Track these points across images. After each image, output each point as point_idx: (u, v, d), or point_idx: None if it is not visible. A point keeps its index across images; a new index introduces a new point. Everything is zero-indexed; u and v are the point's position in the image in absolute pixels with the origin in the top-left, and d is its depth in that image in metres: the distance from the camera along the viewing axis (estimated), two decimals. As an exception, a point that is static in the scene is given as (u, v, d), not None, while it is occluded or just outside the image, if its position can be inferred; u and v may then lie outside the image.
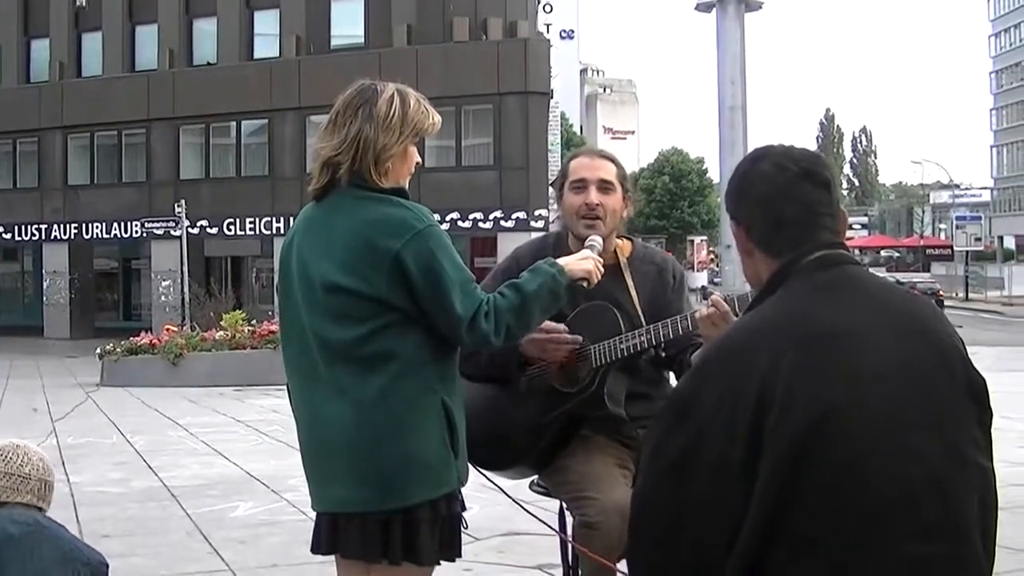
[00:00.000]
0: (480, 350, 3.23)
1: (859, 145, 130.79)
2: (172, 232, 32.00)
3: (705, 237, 60.83)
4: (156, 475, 9.23)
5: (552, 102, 39.88)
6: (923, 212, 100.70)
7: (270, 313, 22.38)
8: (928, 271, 65.57)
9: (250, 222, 34.75)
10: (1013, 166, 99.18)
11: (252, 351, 19.31)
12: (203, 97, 34.86)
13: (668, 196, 77.89)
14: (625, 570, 2.51)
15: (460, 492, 2.99)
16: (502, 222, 32.03)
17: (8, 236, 38.58)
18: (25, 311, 40.08)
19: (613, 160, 3.82)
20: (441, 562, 2.97)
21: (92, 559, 3.19)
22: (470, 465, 3.10)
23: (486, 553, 5.89)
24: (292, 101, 33.80)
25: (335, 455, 2.90)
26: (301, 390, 3.02)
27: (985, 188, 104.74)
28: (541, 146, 33.96)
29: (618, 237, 3.80)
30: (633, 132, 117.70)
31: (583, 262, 3.18)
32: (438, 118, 3.06)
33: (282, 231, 31.82)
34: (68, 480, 8.70)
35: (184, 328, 23.30)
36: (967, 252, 55.50)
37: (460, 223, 31.19)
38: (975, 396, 2.16)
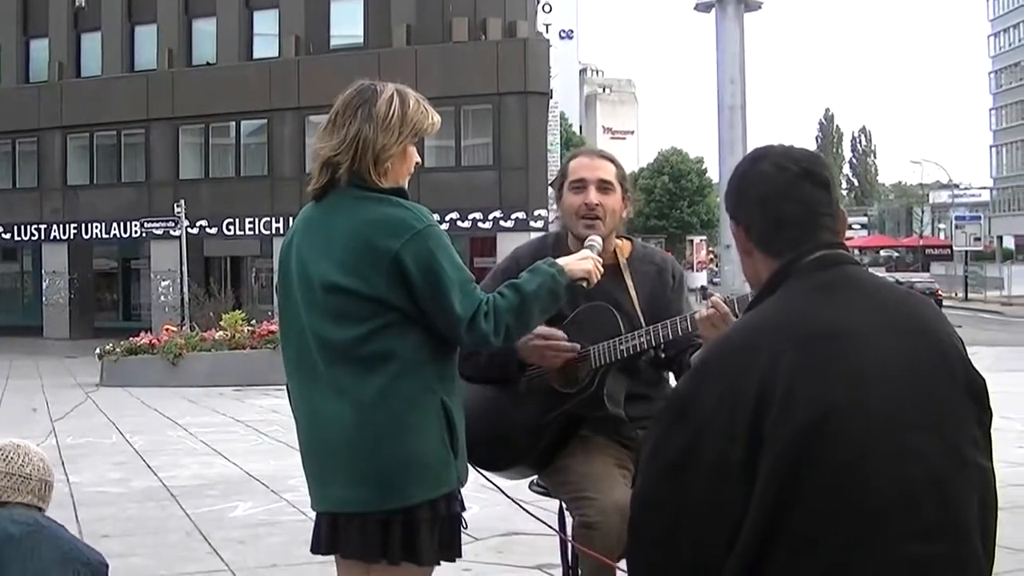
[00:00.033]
0: (480, 350, 3.23)
1: (858, 145, 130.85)
2: (171, 232, 32.01)
3: (704, 237, 60.83)
4: (155, 475, 9.23)
5: (551, 102, 39.89)
6: (922, 212, 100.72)
7: (269, 313, 22.37)
8: (927, 271, 65.57)
9: (249, 222, 34.75)
10: (1012, 166, 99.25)
11: (251, 351, 19.31)
12: (202, 97, 34.86)
13: (667, 196, 77.92)
14: (625, 570, 2.51)
15: (459, 492, 2.99)
16: (501, 222, 32.03)
17: (7, 236, 38.57)
18: (24, 311, 40.07)
19: (612, 160, 3.82)
20: (441, 562, 2.97)
21: (92, 559, 3.19)
22: (469, 465, 3.10)
23: (486, 553, 5.89)
24: (291, 101, 33.80)
25: (335, 455, 2.90)
26: (301, 390, 3.02)
27: (984, 188, 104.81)
28: (540, 146, 33.96)
29: (617, 237, 3.80)
30: (632, 132, 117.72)
31: (582, 262, 3.18)
32: (437, 118, 3.06)
33: (281, 231, 31.82)
34: (68, 480, 8.70)
35: (183, 328, 23.31)
36: (966, 252, 55.51)
37: (459, 223, 31.19)
38: (975, 396, 2.16)
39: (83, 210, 37.05)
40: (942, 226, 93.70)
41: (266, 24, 36.11)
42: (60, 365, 25.28)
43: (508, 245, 20.68)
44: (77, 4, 37.50)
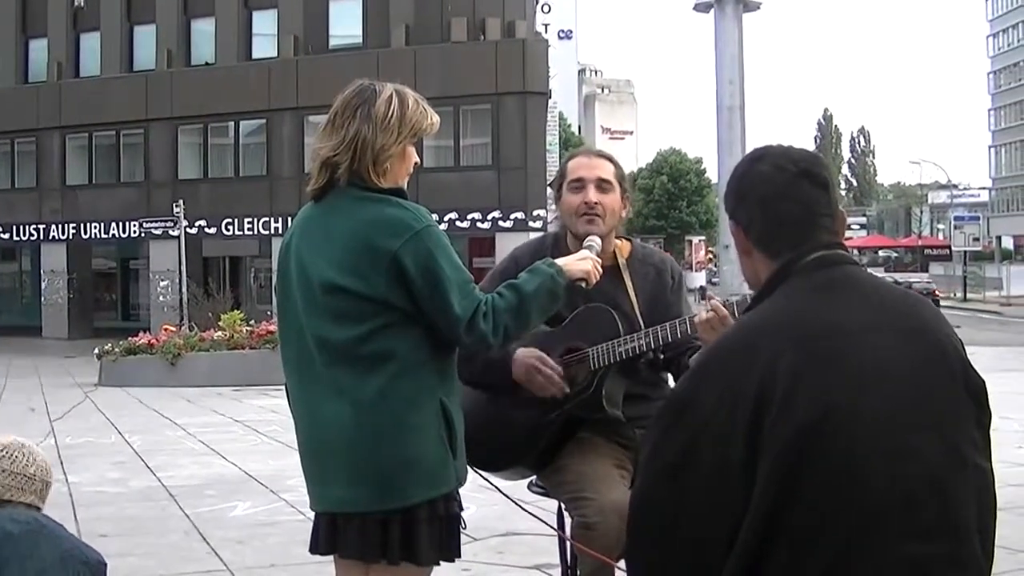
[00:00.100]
0: (479, 350, 3.23)
1: (857, 145, 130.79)
2: (170, 232, 32.01)
3: (703, 237, 60.76)
4: (154, 475, 9.23)
5: (550, 102, 39.90)
6: (921, 212, 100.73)
7: (268, 313, 22.37)
8: (926, 271, 65.58)
9: (248, 222, 34.74)
10: (1011, 166, 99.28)
11: (250, 351, 19.31)
12: (201, 97, 34.84)
13: (666, 196, 77.89)
14: (624, 570, 2.51)
15: (458, 492, 2.99)
16: (500, 222, 32.02)
17: (6, 236, 38.54)
18: (23, 311, 40.06)
19: (611, 159, 3.83)
20: (440, 562, 2.97)
21: (91, 558, 3.18)
22: (468, 465, 3.10)
23: (485, 553, 5.90)
24: (290, 101, 33.79)
25: (334, 455, 2.90)
26: (300, 390, 3.02)
27: (983, 188, 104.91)
28: (539, 146, 33.96)
29: (617, 238, 3.80)
30: (631, 132, 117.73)
31: (581, 262, 3.18)
32: (436, 118, 3.06)
33: (280, 231, 31.81)
34: (66, 480, 8.69)
35: (182, 328, 23.30)
36: (965, 252, 55.51)
37: (458, 223, 31.18)
38: (974, 396, 2.16)
39: (82, 210, 37.03)
40: (941, 226, 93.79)
41: (265, 24, 36.11)
42: (59, 365, 25.27)
43: (507, 245, 20.69)
44: (76, 4, 37.47)
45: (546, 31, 46.01)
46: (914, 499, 2.01)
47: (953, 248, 58.98)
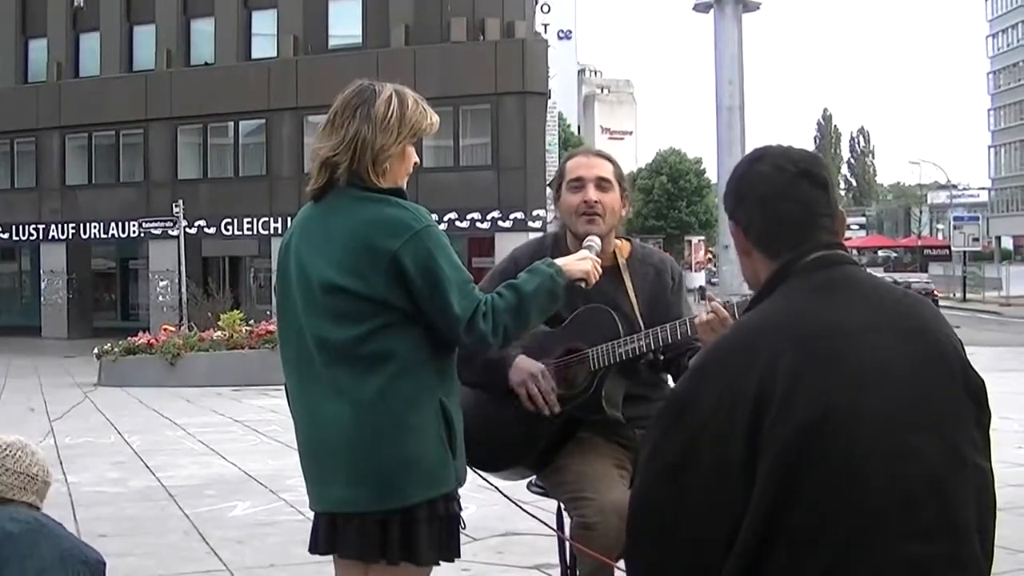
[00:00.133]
0: (479, 350, 3.23)
1: (857, 145, 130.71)
2: (170, 232, 32.00)
3: (703, 237, 60.72)
4: (154, 475, 9.23)
5: (550, 102, 39.91)
6: (921, 212, 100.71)
7: (268, 313, 22.36)
8: (926, 271, 65.52)
9: (248, 222, 34.74)
10: (1011, 166, 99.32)
11: (250, 351, 19.29)
12: (201, 97, 34.84)
13: (666, 196, 77.89)
14: (623, 570, 2.51)
15: (457, 492, 2.99)
16: (500, 222, 32.02)
17: (6, 236, 38.53)
18: (23, 311, 40.06)
19: (610, 159, 3.83)
20: (439, 562, 2.97)
21: (90, 557, 3.19)
22: (468, 466, 3.10)
23: (484, 553, 5.90)
24: (290, 101, 33.79)
25: (333, 455, 2.90)
26: (299, 390, 3.02)
27: (983, 188, 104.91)
28: (539, 146, 33.96)
29: (617, 238, 3.80)
30: (631, 132, 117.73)
31: (581, 262, 3.19)
32: (436, 118, 3.06)
33: (280, 231, 31.80)
34: (66, 480, 8.69)
35: (182, 328, 23.29)
36: (965, 252, 55.48)
37: (458, 223, 31.18)
38: (974, 396, 2.16)
39: (81, 210, 37.03)
40: (940, 226, 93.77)
41: (264, 24, 36.10)
42: (58, 365, 25.26)
43: (506, 245, 20.68)
44: (76, 4, 37.48)
45: (545, 31, 46.02)
46: (914, 499, 2.01)
47: (952, 248, 58.97)
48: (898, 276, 49.14)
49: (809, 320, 2.13)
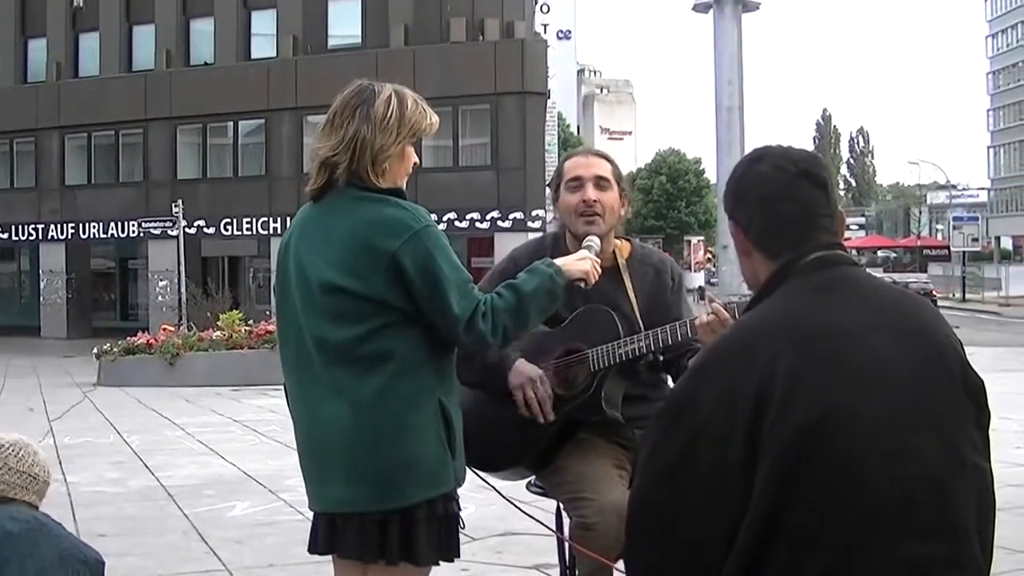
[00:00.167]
0: (478, 350, 3.23)
1: (856, 145, 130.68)
2: (169, 232, 31.99)
3: (702, 237, 60.75)
4: (153, 475, 9.23)
5: (549, 102, 39.94)
6: (920, 213, 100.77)
7: (267, 313, 22.36)
8: (925, 272, 65.55)
9: (247, 222, 34.74)
10: (1010, 167, 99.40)
11: (249, 351, 19.29)
12: (200, 97, 34.85)
13: (665, 196, 77.94)
14: (623, 570, 2.51)
15: (456, 492, 2.99)
16: (499, 222, 32.03)
17: (5, 236, 38.54)
18: (22, 311, 40.07)
19: (608, 158, 3.83)
20: (439, 562, 2.97)
21: (90, 557, 3.18)
22: (467, 466, 3.10)
23: (483, 553, 5.89)
24: (289, 101, 33.80)
25: (333, 455, 2.90)
26: (298, 390, 3.02)
27: (982, 189, 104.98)
28: (538, 146, 33.96)
29: (616, 238, 3.80)
30: (630, 132, 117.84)
31: (580, 262, 3.18)
32: (436, 119, 3.06)
33: (279, 231, 31.79)
34: (65, 480, 8.68)
35: (181, 328, 23.27)
36: (964, 253, 55.50)
37: (457, 223, 31.18)
38: (973, 397, 2.16)
39: (81, 210, 37.04)
40: (940, 227, 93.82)
41: (264, 24, 36.11)
42: (57, 365, 25.26)
43: (506, 245, 20.69)
44: (75, 4, 37.47)
45: (545, 31, 46.08)
46: (913, 500, 2.01)
47: (952, 248, 59.00)
48: (897, 276, 49.21)
49: (809, 321, 2.12)
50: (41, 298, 38.35)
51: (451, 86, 30.01)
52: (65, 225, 37.38)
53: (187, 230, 31.34)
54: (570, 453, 3.60)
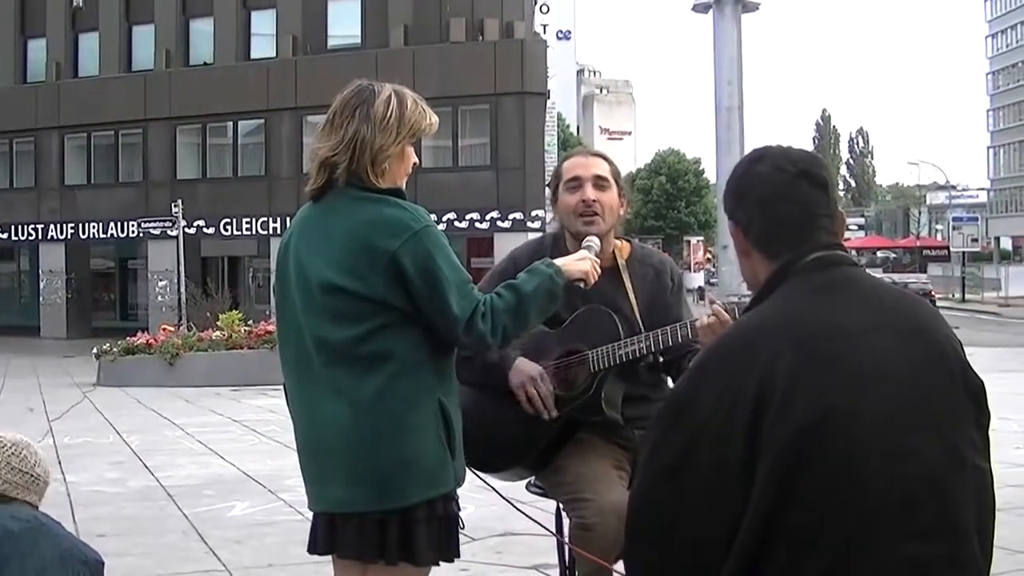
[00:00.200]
0: (478, 350, 3.23)
1: (856, 146, 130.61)
2: (169, 232, 31.97)
3: (702, 237, 60.79)
4: (152, 475, 9.22)
5: (549, 103, 39.94)
6: (920, 213, 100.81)
7: (267, 313, 22.37)
8: (925, 272, 65.56)
9: (247, 222, 34.74)
10: (1010, 167, 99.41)
11: (249, 351, 19.28)
12: (200, 97, 34.84)
13: (665, 197, 77.97)
14: (622, 571, 2.51)
15: (456, 492, 2.99)
16: (499, 223, 32.03)
17: (4, 236, 38.54)
18: (22, 311, 40.06)
19: (606, 158, 3.84)
20: (438, 562, 2.97)
21: (90, 557, 3.19)
22: (466, 466, 3.10)
23: (483, 553, 5.89)
24: (289, 101, 33.80)
25: (332, 455, 2.90)
26: (298, 390, 3.02)
27: (982, 189, 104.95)
28: (538, 147, 33.96)
29: (616, 238, 3.80)
30: (630, 133, 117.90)
31: (580, 263, 3.18)
32: (435, 119, 3.06)
33: (279, 231, 31.79)
34: (64, 480, 8.68)
35: (181, 328, 23.26)
36: (964, 253, 55.50)
37: (457, 223, 31.18)
38: (973, 397, 2.16)
39: (80, 210, 37.04)
40: (939, 227, 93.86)
41: (263, 24, 36.11)
42: (57, 365, 25.25)
43: (505, 246, 20.69)
44: (75, 4, 37.45)
45: (544, 31, 46.06)
46: (913, 500, 2.01)
47: (951, 249, 58.99)
48: (897, 277, 49.22)
49: (808, 321, 2.12)
50: (41, 298, 38.35)
51: (451, 86, 30.01)
52: (65, 225, 37.38)
53: (187, 230, 31.34)
54: (570, 453, 3.60)
